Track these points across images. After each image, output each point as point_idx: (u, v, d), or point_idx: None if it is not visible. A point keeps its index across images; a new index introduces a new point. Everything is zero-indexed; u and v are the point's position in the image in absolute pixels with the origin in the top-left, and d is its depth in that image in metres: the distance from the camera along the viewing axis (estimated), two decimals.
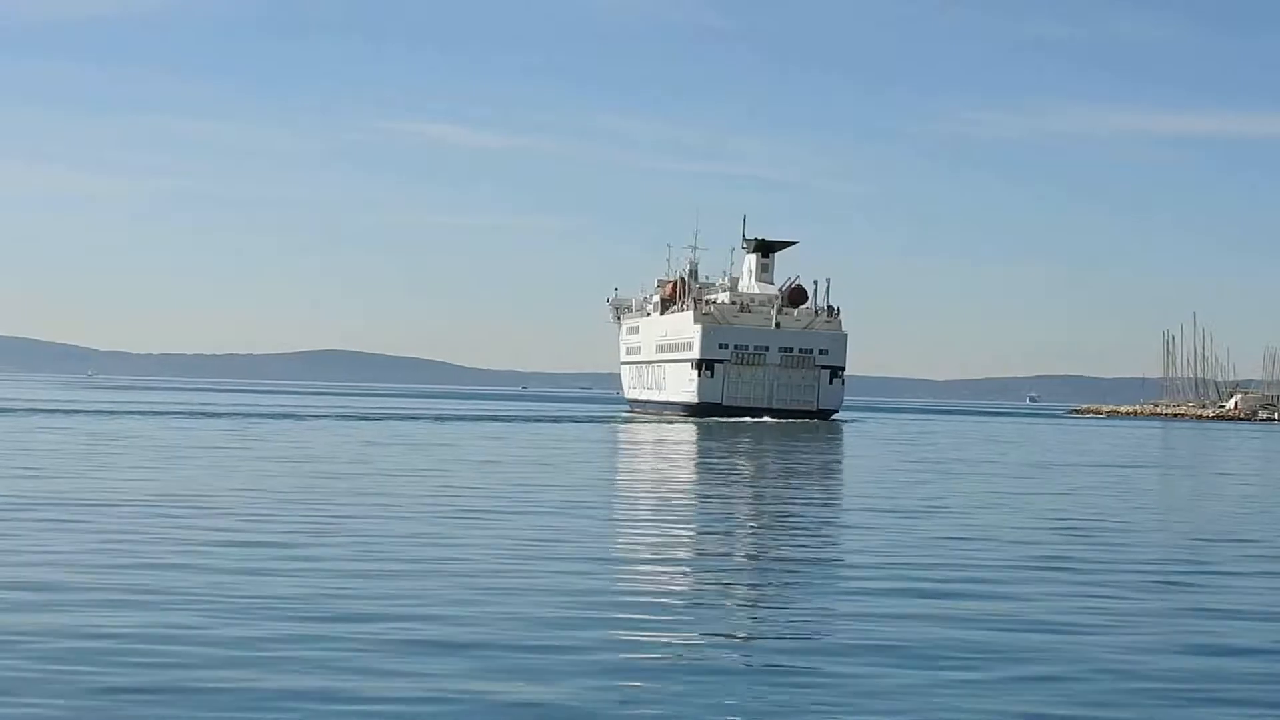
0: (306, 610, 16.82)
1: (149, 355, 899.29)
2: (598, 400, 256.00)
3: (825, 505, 34.49)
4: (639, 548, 24.01)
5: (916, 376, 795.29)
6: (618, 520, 29.00)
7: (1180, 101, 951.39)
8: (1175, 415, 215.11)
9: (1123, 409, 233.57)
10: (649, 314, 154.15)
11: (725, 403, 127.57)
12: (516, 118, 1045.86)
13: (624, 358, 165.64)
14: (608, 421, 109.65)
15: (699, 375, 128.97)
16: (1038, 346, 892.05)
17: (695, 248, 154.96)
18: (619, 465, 51.42)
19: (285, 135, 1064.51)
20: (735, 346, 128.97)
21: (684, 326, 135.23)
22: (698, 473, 46.99)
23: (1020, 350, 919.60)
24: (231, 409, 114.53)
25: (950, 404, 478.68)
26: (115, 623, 15.71)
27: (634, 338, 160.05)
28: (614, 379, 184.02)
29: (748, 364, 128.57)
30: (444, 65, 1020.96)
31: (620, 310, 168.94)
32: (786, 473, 47.43)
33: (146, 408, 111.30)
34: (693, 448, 66.34)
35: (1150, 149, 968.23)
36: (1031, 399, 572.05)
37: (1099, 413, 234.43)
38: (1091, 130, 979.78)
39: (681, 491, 37.75)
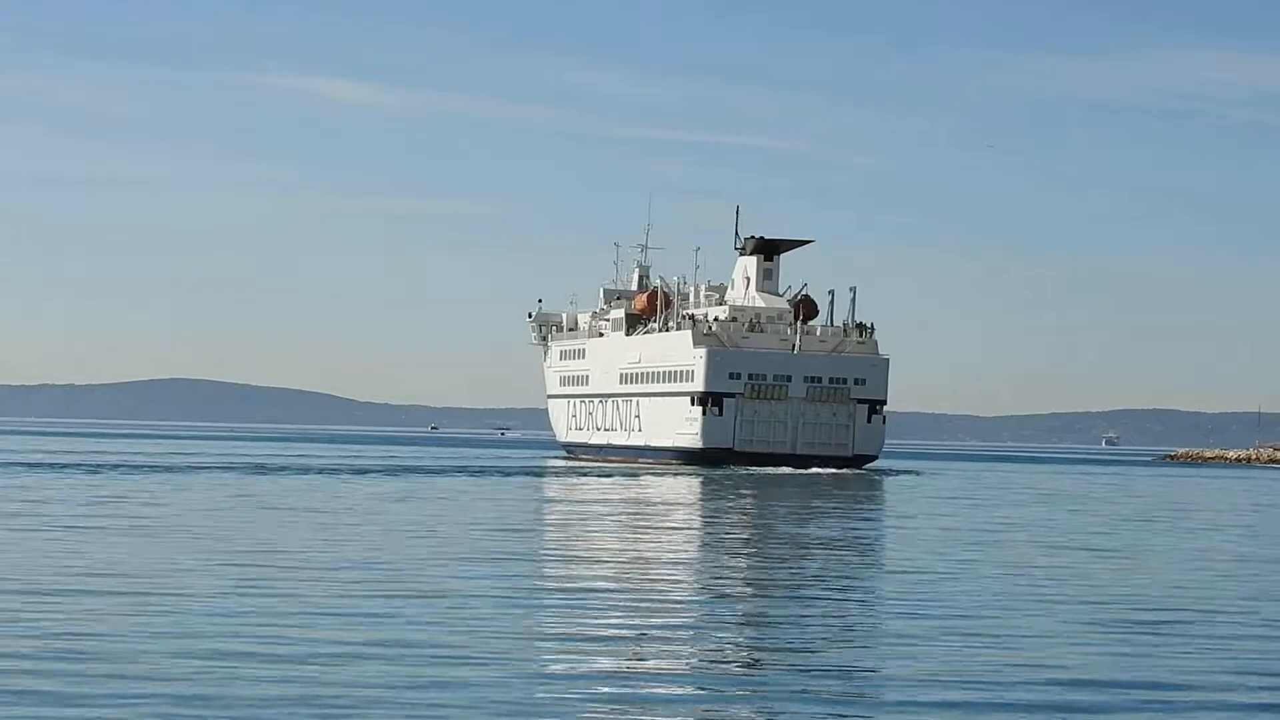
0: None
1: None
2: (516, 445, 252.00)
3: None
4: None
5: (957, 412, 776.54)
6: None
7: None
8: None
9: (1230, 454, 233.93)
10: (602, 334, 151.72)
11: (738, 447, 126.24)
12: (403, 68, 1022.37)
13: (556, 390, 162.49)
14: (542, 474, 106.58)
15: (704, 413, 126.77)
16: (1117, 373, 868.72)
17: (645, 247, 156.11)
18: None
19: (106, 93, 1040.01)
20: (750, 376, 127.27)
21: (676, 350, 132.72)
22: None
23: (1094, 378, 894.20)
24: (50, 457, 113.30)
25: (1004, 446, 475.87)
26: None
27: (574, 365, 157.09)
28: (540, 415, 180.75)
29: (765, 398, 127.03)
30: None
31: (547, 329, 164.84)
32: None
33: None
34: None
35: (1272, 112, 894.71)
36: (1109, 440, 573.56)
37: (1199, 459, 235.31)
38: (1197, 88, 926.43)
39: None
